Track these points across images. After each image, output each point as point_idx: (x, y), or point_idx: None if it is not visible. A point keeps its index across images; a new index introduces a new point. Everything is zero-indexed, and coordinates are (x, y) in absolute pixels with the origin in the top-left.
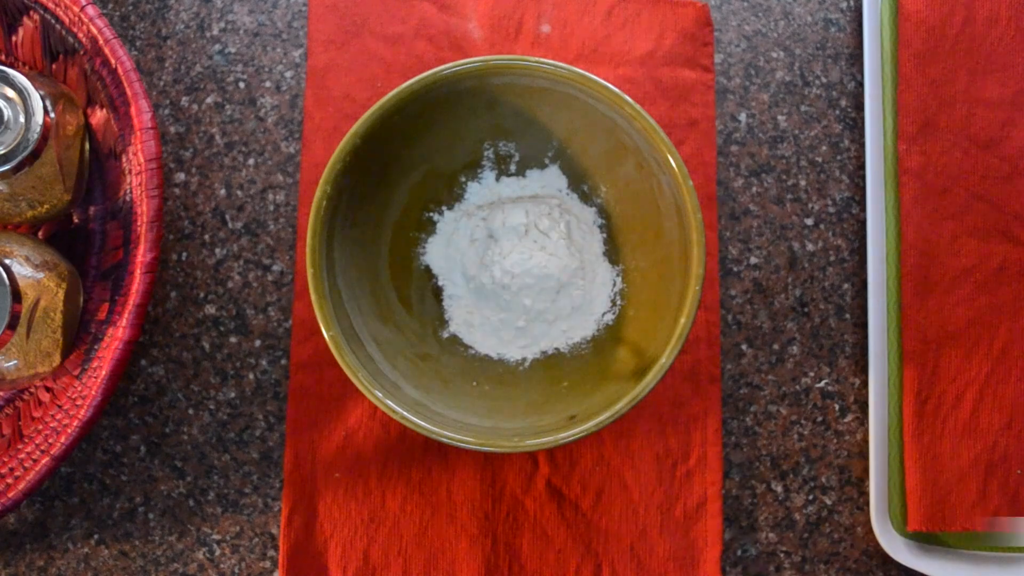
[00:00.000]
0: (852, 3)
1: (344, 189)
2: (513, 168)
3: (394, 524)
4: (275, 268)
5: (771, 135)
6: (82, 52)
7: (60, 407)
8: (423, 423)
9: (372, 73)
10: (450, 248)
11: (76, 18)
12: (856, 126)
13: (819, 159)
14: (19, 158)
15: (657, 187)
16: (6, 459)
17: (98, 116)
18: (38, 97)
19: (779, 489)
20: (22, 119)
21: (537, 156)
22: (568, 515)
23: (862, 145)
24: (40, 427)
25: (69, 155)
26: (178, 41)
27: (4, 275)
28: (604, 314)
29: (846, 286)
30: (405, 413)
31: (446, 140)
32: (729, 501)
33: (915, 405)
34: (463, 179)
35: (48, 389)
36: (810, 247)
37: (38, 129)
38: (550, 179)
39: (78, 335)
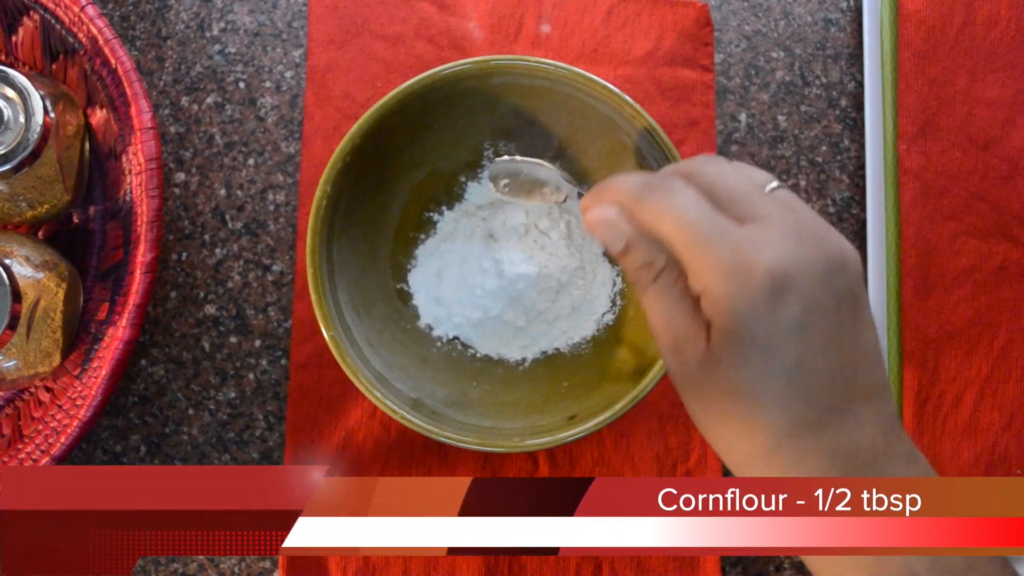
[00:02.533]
0: (852, 3)
1: (344, 189)
2: None
3: None
4: (275, 268)
5: (771, 135)
6: (82, 52)
7: (60, 407)
8: (423, 423)
9: (372, 73)
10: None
11: (76, 18)
12: (856, 126)
13: (819, 159)
14: (19, 158)
15: None
16: (6, 459)
17: (98, 116)
18: (38, 97)
19: None
20: (22, 119)
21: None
22: None
23: (862, 145)
24: (40, 427)
25: (69, 155)
26: (178, 41)
27: (4, 275)
28: (604, 314)
29: None
30: (405, 413)
31: (446, 140)
32: None
33: (915, 405)
34: (463, 179)
35: (48, 389)
36: None
37: (38, 129)
38: None
39: (78, 335)
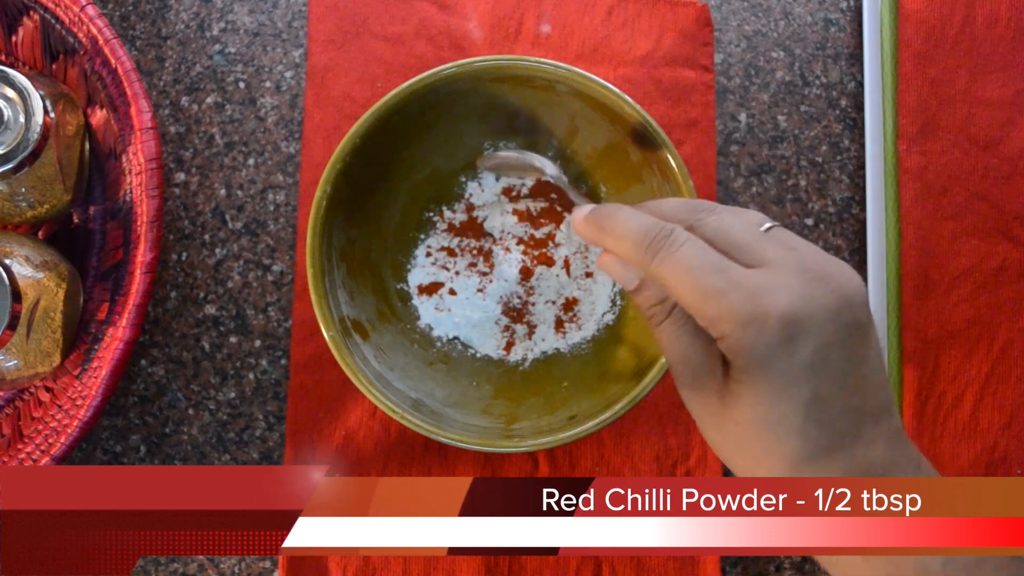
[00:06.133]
0: (852, 3)
1: (344, 189)
2: None
3: None
4: (275, 268)
5: (771, 135)
6: (82, 52)
7: (60, 407)
8: (423, 423)
9: (372, 73)
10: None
11: (76, 18)
12: (856, 126)
13: (819, 159)
14: (19, 158)
15: (658, 187)
16: (6, 459)
17: (98, 116)
18: (38, 97)
19: None
20: (22, 119)
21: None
22: None
23: (862, 145)
24: (40, 427)
25: (69, 155)
26: (178, 41)
27: (4, 275)
28: (604, 314)
29: None
30: (405, 413)
31: (446, 140)
32: None
33: (915, 405)
34: (463, 179)
35: (48, 389)
36: None
37: (38, 129)
38: None
39: (78, 335)
